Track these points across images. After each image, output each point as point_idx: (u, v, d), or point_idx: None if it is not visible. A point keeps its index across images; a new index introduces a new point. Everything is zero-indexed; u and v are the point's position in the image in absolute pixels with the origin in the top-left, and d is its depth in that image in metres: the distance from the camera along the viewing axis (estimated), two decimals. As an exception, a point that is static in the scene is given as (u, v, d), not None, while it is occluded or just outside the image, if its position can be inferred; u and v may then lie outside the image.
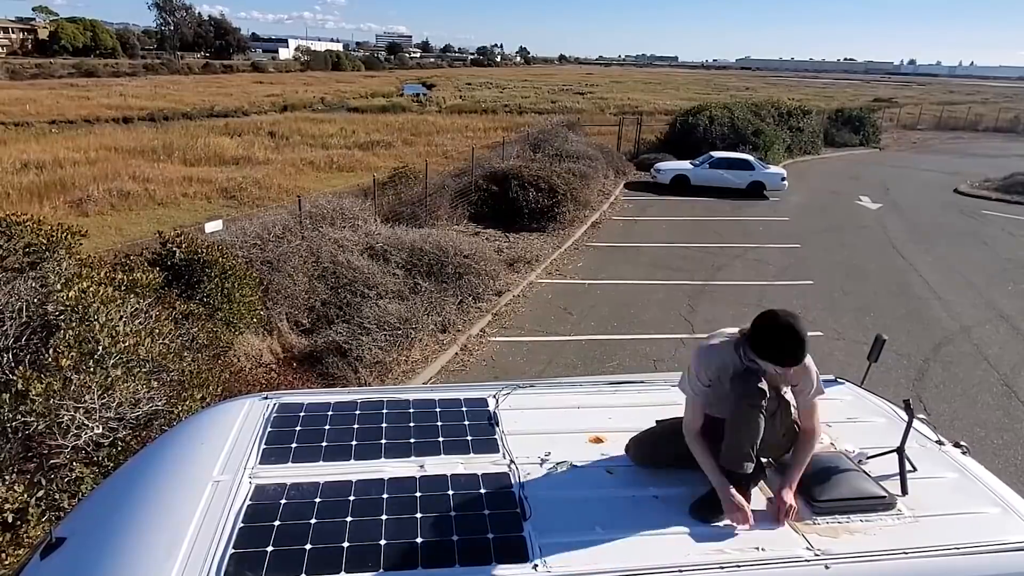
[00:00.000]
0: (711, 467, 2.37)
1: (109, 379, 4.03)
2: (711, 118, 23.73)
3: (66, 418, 3.83)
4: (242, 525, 2.13)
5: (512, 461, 2.57)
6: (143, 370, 4.35)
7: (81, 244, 5.49)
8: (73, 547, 2.12)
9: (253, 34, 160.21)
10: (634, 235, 14.24)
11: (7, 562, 3.39)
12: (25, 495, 3.58)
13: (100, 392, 3.97)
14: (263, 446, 2.58)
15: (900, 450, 2.56)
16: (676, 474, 2.56)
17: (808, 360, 2.38)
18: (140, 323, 4.68)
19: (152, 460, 2.57)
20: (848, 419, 3.06)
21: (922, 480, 2.55)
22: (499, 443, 2.69)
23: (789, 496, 2.31)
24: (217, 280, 6.61)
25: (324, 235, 9.49)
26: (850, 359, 8.25)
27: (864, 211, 17.66)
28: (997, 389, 7.80)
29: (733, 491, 2.28)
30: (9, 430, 3.78)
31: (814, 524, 2.28)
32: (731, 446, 2.36)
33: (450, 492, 2.40)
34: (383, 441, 2.68)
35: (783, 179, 18.82)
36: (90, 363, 4.07)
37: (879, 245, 14.19)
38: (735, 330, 2.48)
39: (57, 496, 3.73)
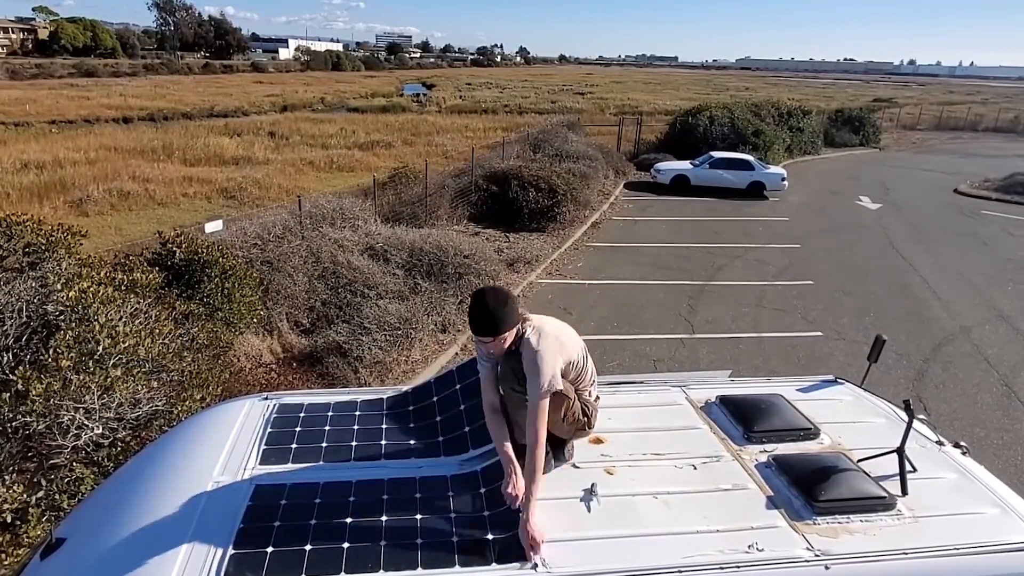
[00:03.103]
0: (497, 444, 2.52)
1: (109, 379, 4.03)
2: (711, 118, 23.72)
3: (66, 418, 3.83)
4: (242, 525, 2.13)
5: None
6: (143, 370, 4.35)
7: (81, 244, 5.49)
8: (73, 547, 2.12)
9: (253, 34, 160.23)
10: (634, 235, 14.23)
11: (7, 563, 3.39)
12: (25, 495, 3.58)
13: (100, 392, 3.96)
14: (263, 446, 2.58)
15: (900, 450, 2.56)
16: (676, 474, 2.57)
17: (536, 355, 2.41)
18: (140, 323, 4.68)
19: (152, 460, 2.57)
20: (848, 419, 3.06)
21: (922, 480, 2.55)
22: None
23: (530, 527, 2.14)
24: (217, 280, 6.61)
25: (324, 235, 9.48)
26: (850, 359, 8.25)
27: (864, 211, 17.65)
28: (997, 389, 7.80)
29: (513, 467, 2.38)
30: (9, 430, 3.78)
31: (814, 524, 2.28)
32: None
33: (450, 493, 2.40)
34: (383, 442, 2.68)
35: (783, 179, 18.82)
36: (90, 363, 4.06)
37: (879, 245, 14.19)
38: None
39: (57, 496, 3.73)
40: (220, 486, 2.32)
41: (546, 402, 2.39)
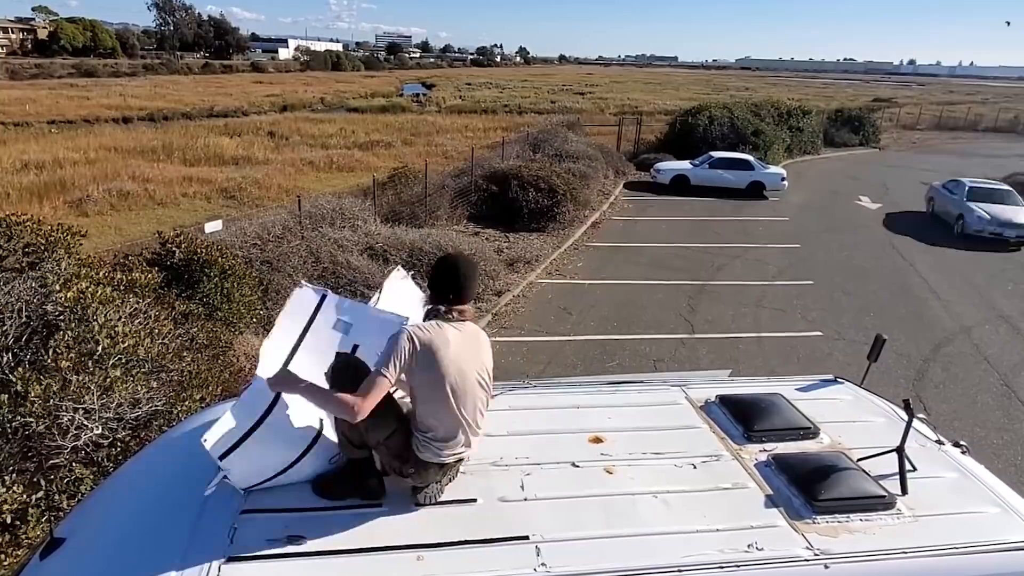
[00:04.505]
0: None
1: (108, 379, 4.03)
2: (711, 118, 23.72)
3: (65, 419, 3.83)
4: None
5: (513, 460, 2.57)
6: (142, 370, 4.35)
7: (80, 244, 5.50)
8: (72, 548, 2.12)
9: (253, 34, 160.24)
10: (634, 235, 14.23)
11: (6, 563, 3.38)
12: (24, 496, 3.58)
13: (99, 393, 3.96)
14: (262, 446, 2.58)
15: (900, 450, 2.56)
16: (676, 473, 2.56)
17: (395, 335, 2.19)
18: (139, 323, 4.67)
19: (151, 460, 2.57)
20: (848, 419, 3.06)
21: (922, 480, 2.55)
22: (499, 443, 2.69)
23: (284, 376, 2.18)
24: (216, 280, 6.61)
25: (324, 235, 9.48)
26: (850, 359, 8.25)
27: (864, 211, 17.65)
28: (997, 389, 7.80)
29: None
30: (9, 431, 3.78)
31: (814, 523, 2.28)
32: None
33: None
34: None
35: (783, 179, 18.82)
36: (89, 364, 4.06)
37: (879, 245, 14.19)
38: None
39: (56, 497, 3.73)
40: (219, 485, 2.32)
41: (382, 381, 2.12)
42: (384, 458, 2.28)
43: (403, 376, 2.22)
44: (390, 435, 2.24)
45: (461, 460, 2.37)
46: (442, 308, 2.31)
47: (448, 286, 2.31)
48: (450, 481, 2.38)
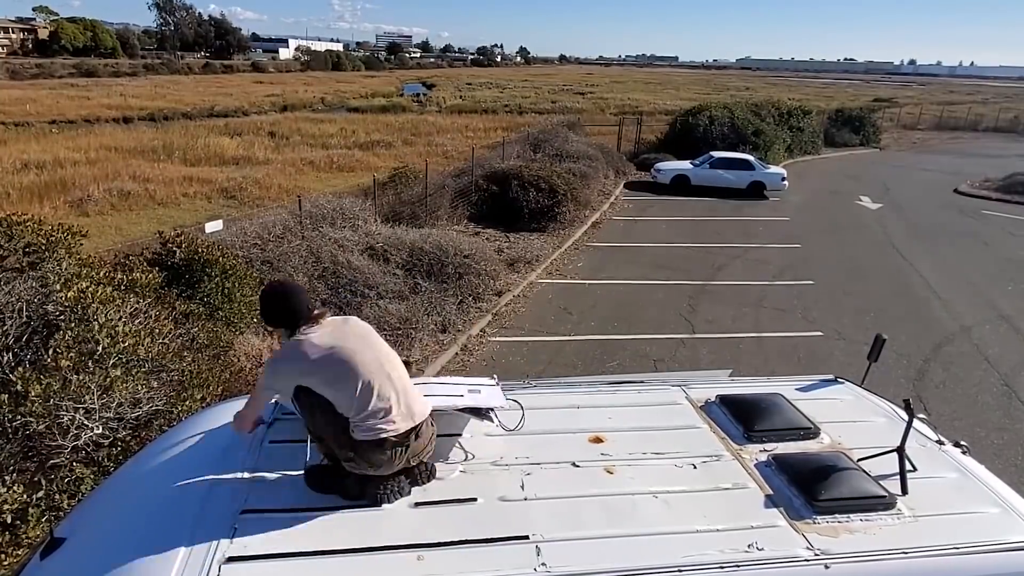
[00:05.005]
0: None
1: (108, 379, 4.03)
2: (711, 118, 23.72)
3: (66, 418, 3.83)
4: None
5: (514, 460, 2.57)
6: (143, 370, 4.35)
7: (81, 244, 5.49)
8: (73, 547, 2.12)
9: (253, 34, 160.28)
10: (634, 235, 14.23)
11: (6, 563, 3.38)
12: (25, 495, 3.58)
13: (100, 392, 3.96)
14: (262, 446, 2.59)
15: (900, 450, 2.56)
16: (676, 473, 2.56)
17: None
18: (140, 323, 4.68)
19: (152, 460, 2.57)
20: (848, 419, 3.06)
21: (922, 480, 2.55)
22: (499, 442, 2.69)
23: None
24: (217, 280, 6.61)
25: (324, 235, 9.48)
26: (850, 359, 8.24)
27: (864, 211, 17.65)
28: (997, 389, 7.79)
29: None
30: (9, 430, 3.78)
31: (814, 523, 2.28)
32: None
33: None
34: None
35: (783, 179, 18.81)
36: (89, 363, 4.06)
37: (879, 245, 14.18)
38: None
39: (57, 496, 3.73)
40: (219, 485, 2.32)
41: (256, 397, 2.45)
42: (333, 449, 2.37)
43: (308, 385, 2.35)
44: (326, 425, 2.34)
45: (408, 436, 2.36)
46: (299, 329, 2.49)
47: (288, 314, 2.51)
48: (419, 467, 2.42)
